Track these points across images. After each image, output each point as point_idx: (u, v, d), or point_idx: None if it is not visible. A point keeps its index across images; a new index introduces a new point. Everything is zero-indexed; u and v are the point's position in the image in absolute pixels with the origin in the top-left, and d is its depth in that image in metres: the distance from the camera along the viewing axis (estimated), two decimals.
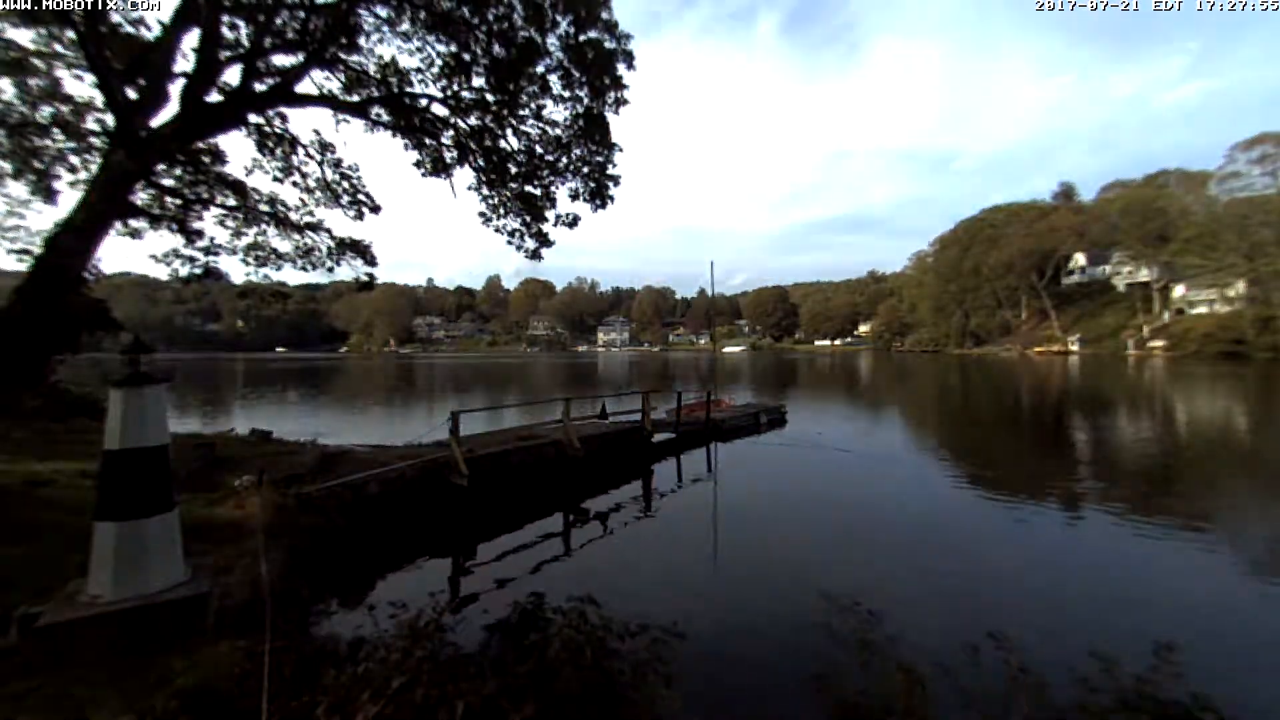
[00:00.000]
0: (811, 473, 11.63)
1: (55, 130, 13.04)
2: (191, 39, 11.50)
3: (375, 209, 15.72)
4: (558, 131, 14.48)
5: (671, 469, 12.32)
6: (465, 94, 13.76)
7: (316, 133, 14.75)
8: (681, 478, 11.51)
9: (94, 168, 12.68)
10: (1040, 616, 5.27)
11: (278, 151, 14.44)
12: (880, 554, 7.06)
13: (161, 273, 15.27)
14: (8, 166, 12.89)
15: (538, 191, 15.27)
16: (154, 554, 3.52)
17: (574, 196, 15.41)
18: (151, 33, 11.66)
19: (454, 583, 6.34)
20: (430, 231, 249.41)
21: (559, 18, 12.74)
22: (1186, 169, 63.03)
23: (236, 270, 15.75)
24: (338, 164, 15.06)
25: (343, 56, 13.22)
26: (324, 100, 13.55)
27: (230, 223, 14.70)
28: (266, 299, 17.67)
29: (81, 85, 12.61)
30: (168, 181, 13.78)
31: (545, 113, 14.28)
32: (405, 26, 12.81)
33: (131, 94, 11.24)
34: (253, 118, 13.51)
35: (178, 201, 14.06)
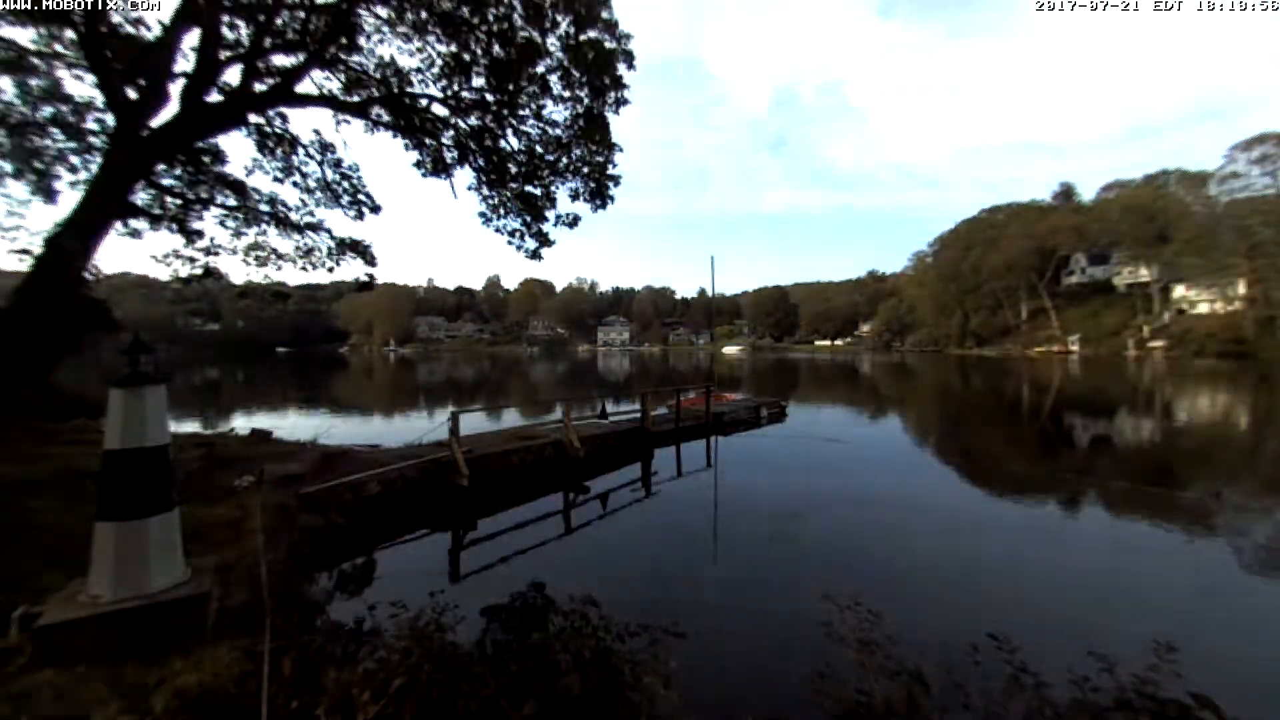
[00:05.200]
0: (812, 467, 11.64)
1: (55, 130, 13.03)
2: (191, 39, 11.50)
3: (375, 209, 15.72)
4: (558, 131, 14.48)
5: (671, 457, 12.36)
6: (465, 94, 13.76)
7: (316, 133, 14.74)
8: (681, 470, 11.52)
9: (94, 168, 12.67)
10: (1040, 616, 5.27)
11: (278, 151, 14.43)
12: (879, 552, 7.06)
13: (161, 273, 15.25)
14: (8, 166, 12.88)
15: (538, 191, 15.27)
16: (154, 554, 3.52)
17: (574, 196, 15.41)
18: (151, 33, 11.65)
19: (454, 582, 6.34)
20: (430, 232, 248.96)
21: (559, 17, 12.74)
22: (1186, 169, 63.09)
23: (236, 270, 15.74)
24: (338, 164, 15.06)
25: (343, 56, 13.22)
26: (324, 100, 13.55)
27: (230, 223, 14.69)
28: (266, 299, 17.67)
29: (81, 85, 12.61)
30: (168, 181, 13.77)
31: (545, 113, 14.28)
32: (405, 27, 12.81)
33: (131, 94, 11.24)
34: (253, 118, 13.51)
35: (178, 201, 14.05)
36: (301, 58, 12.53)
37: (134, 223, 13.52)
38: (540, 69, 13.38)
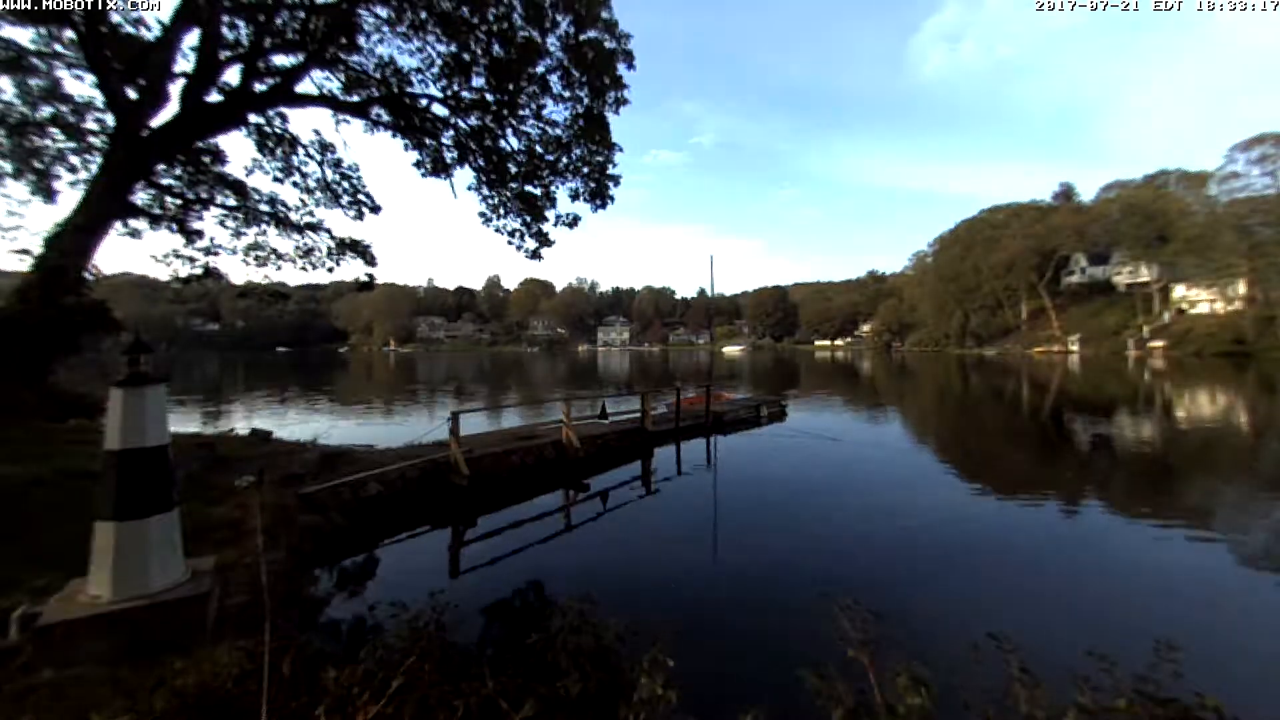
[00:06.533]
0: (811, 466, 11.62)
1: (55, 130, 13.04)
2: (191, 39, 11.52)
3: (375, 209, 15.73)
4: (558, 131, 14.50)
5: (671, 456, 12.37)
6: (465, 94, 13.77)
7: (316, 133, 14.80)
8: (681, 469, 11.52)
9: (94, 168, 12.68)
10: (1040, 616, 5.27)
11: (278, 151, 14.45)
12: (879, 551, 7.05)
13: (161, 273, 15.30)
14: (8, 166, 12.89)
15: (538, 191, 15.29)
16: (154, 554, 3.52)
17: (574, 196, 15.44)
18: (151, 33, 11.67)
19: (454, 581, 6.34)
20: (430, 232, 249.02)
21: (559, 17, 12.75)
22: (1186, 169, 63.11)
23: (236, 270, 15.78)
24: (338, 164, 15.08)
25: (343, 56, 13.24)
26: (324, 100, 13.57)
27: (230, 223, 14.71)
28: (266, 299, 17.68)
29: (81, 85, 12.63)
30: (168, 181, 13.78)
31: (545, 112, 14.31)
32: (405, 26, 12.82)
33: (131, 94, 11.25)
34: (253, 118, 13.52)
35: (178, 201, 14.07)
36: (301, 58, 12.55)
37: (134, 223, 13.54)
38: (540, 69, 13.39)
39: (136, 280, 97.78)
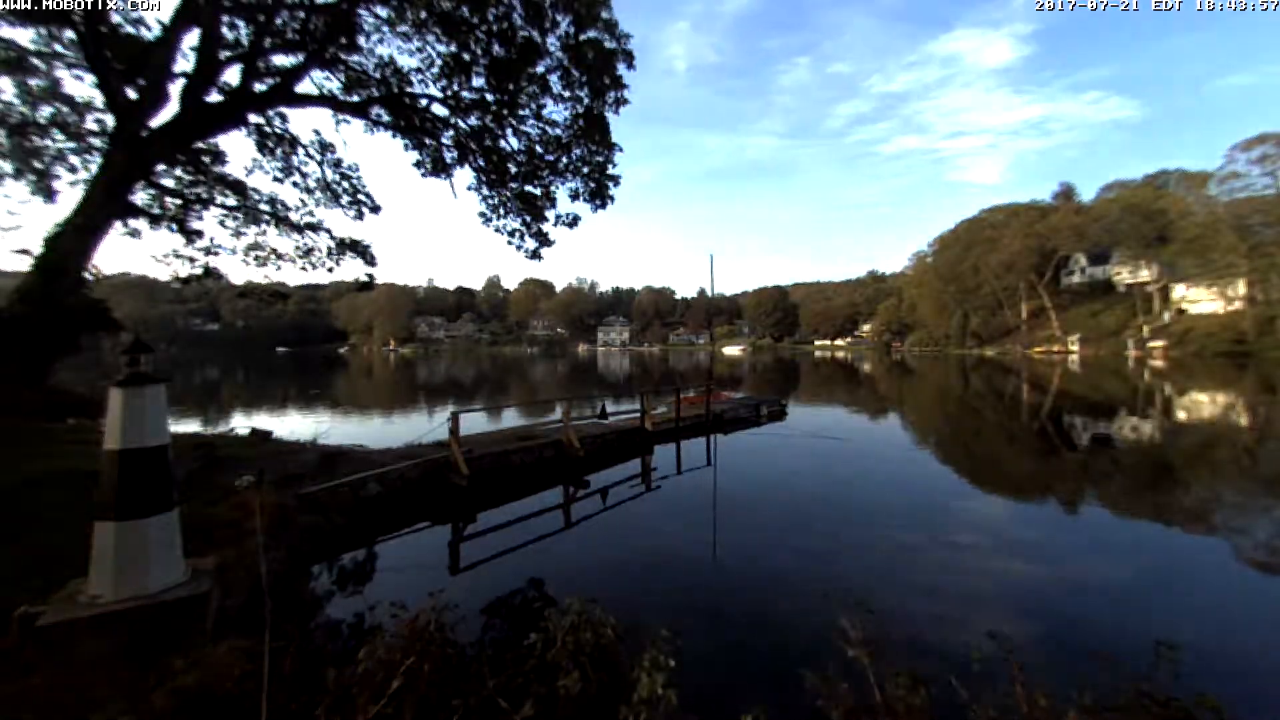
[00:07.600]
0: (811, 465, 11.62)
1: (55, 130, 13.05)
2: (191, 39, 11.53)
3: (375, 209, 15.75)
4: (558, 131, 14.52)
5: (671, 455, 12.37)
6: (465, 94, 13.78)
7: (316, 133, 14.86)
8: (681, 468, 11.52)
9: (94, 168, 12.69)
10: (1040, 616, 5.27)
11: (278, 151, 14.47)
12: (878, 550, 7.05)
13: (161, 273, 15.38)
14: (8, 166, 12.90)
15: (538, 191, 15.31)
16: (154, 554, 3.52)
17: (574, 196, 15.47)
18: (151, 33, 11.68)
19: (454, 579, 6.33)
20: (430, 232, 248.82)
21: (559, 17, 12.76)
22: (1186, 169, 63.15)
23: (236, 270, 15.86)
24: (338, 164, 15.10)
25: (343, 56, 13.25)
26: (324, 100, 13.58)
27: (230, 223, 14.74)
28: (266, 299, 17.70)
29: (81, 85, 12.70)
30: (168, 181, 13.79)
31: (545, 112, 14.34)
32: (405, 26, 12.83)
33: (131, 94, 11.25)
34: (253, 118, 13.54)
35: (178, 201, 14.09)
36: (301, 58, 12.56)
37: (134, 223, 13.56)
38: (540, 69, 13.41)
39: (136, 280, 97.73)
